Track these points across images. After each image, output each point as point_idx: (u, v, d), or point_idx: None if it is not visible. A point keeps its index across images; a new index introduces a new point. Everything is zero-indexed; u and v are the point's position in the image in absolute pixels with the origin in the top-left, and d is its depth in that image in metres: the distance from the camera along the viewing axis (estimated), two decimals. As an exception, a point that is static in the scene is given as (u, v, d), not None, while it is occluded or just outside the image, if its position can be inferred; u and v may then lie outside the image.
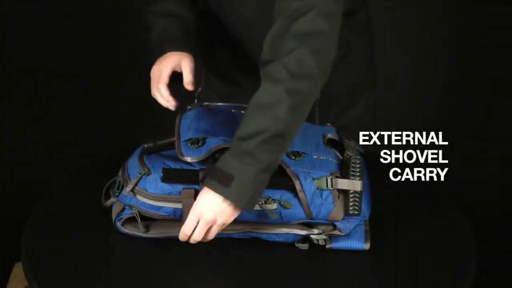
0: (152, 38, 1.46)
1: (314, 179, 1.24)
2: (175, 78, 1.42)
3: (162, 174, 1.24)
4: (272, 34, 1.20)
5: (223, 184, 1.16)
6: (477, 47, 2.56)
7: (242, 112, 1.35)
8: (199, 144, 1.26)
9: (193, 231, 1.20)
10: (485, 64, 2.58)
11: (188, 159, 1.25)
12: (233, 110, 1.39)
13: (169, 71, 1.40)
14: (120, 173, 1.33)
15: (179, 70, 1.41)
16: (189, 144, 1.26)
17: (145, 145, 1.33)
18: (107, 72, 2.58)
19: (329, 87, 1.30)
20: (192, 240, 1.21)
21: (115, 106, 2.64)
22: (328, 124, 1.45)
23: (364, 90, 1.63)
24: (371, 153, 1.39)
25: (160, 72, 1.40)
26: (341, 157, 1.30)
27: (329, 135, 1.37)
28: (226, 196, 1.16)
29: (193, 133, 1.29)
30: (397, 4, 2.61)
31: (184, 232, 1.21)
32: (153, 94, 1.42)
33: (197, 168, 1.25)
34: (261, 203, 1.23)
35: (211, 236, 1.21)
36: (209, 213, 1.18)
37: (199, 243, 1.22)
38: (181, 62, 1.41)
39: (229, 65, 1.62)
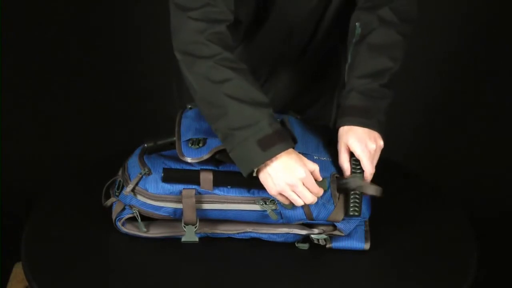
0: (229, 125, 1.18)
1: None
2: None
3: (162, 174, 1.24)
4: None
5: (365, 118, 1.28)
6: (478, 47, 2.56)
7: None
8: (200, 144, 1.26)
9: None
10: (486, 64, 2.58)
11: (189, 160, 1.24)
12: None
13: None
14: (120, 173, 1.33)
15: None
16: (190, 145, 1.26)
17: (145, 145, 1.33)
18: (108, 72, 2.58)
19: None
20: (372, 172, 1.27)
21: (115, 106, 2.63)
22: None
23: None
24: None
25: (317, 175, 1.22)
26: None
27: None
28: (371, 127, 1.28)
29: (194, 133, 1.28)
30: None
31: (371, 173, 1.27)
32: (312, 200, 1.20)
33: (197, 168, 1.25)
34: (261, 203, 1.23)
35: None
36: (371, 141, 1.27)
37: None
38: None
39: None
